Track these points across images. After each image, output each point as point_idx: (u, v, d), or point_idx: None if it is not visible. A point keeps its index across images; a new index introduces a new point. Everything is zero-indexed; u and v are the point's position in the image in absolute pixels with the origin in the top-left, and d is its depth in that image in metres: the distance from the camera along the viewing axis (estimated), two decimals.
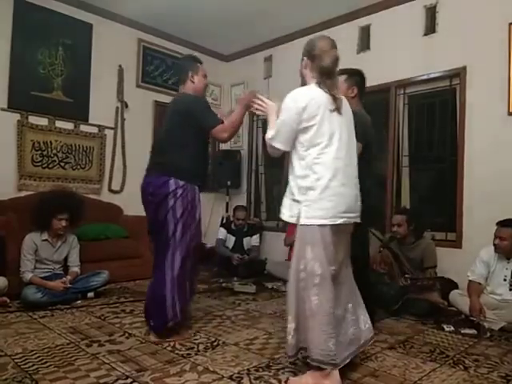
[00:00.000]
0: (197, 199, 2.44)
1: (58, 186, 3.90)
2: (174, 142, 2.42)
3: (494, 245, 2.83)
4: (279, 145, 1.93)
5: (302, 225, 1.85)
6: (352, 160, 1.96)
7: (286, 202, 1.96)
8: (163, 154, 2.47)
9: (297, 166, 1.92)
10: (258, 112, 2.21)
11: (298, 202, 1.88)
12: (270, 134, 1.97)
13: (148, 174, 2.56)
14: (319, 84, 1.91)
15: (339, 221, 1.83)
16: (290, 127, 1.89)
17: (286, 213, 1.94)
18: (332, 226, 1.82)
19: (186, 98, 2.50)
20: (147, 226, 2.63)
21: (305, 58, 2.00)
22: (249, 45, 5.24)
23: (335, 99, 1.90)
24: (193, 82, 2.54)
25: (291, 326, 1.87)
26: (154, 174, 2.47)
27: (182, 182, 2.36)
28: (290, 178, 1.96)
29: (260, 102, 2.17)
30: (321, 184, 1.82)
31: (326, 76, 1.91)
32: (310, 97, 1.88)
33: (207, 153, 2.60)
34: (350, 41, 4.23)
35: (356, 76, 2.63)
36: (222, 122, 2.38)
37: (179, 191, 2.35)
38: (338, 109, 1.90)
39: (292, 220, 1.91)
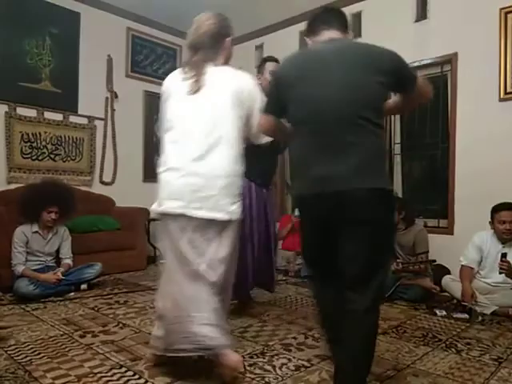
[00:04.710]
0: (253, 195, 2.52)
1: (45, 178, 3.84)
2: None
3: (506, 230, 2.77)
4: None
5: None
6: (205, 147, 1.73)
7: None
8: None
9: None
10: None
11: None
12: None
13: None
14: (183, 64, 1.88)
15: (160, 209, 1.79)
16: (161, 110, 1.91)
17: None
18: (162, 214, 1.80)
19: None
20: None
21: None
22: (240, 33, 5.17)
23: (195, 80, 1.77)
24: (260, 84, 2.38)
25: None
26: None
27: None
28: None
29: None
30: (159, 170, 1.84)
31: (189, 53, 1.87)
32: (165, 81, 1.91)
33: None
34: None
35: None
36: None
37: None
38: (196, 90, 1.76)
39: None
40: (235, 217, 1.78)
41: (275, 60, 2.59)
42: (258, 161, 2.31)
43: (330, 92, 1.46)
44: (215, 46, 1.84)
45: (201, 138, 1.73)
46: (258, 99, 1.83)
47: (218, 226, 1.74)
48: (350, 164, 1.41)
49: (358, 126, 1.44)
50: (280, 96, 1.59)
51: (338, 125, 1.45)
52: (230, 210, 1.74)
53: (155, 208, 1.83)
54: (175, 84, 1.85)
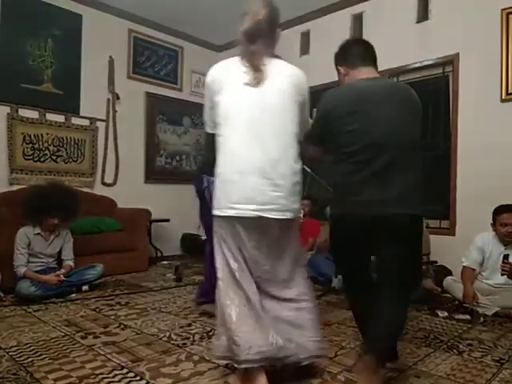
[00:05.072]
0: None
1: (51, 181, 3.77)
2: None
3: (508, 233, 2.77)
4: (207, 128, 1.79)
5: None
6: (268, 143, 1.62)
7: None
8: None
9: None
10: None
11: None
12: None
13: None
14: (240, 54, 1.67)
15: (233, 212, 1.61)
16: (207, 104, 1.74)
17: None
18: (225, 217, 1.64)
19: None
20: None
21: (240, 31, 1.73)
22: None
23: (255, 71, 1.62)
24: None
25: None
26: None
27: (212, 179, 2.38)
28: None
29: None
30: (220, 171, 1.67)
31: (245, 42, 1.66)
32: (216, 70, 1.70)
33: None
34: (343, 29, 4.21)
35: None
36: None
37: (212, 187, 2.41)
38: (257, 82, 1.62)
39: None
40: (298, 215, 1.75)
41: None
42: None
43: (381, 127, 1.66)
44: (271, 35, 1.71)
45: (268, 134, 1.62)
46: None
47: (287, 224, 1.69)
48: (397, 192, 1.64)
49: (404, 160, 1.67)
50: (329, 128, 1.73)
51: (388, 157, 1.65)
52: (295, 208, 1.69)
53: (223, 212, 1.64)
54: (230, 75, 1.66)
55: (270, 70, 1.65)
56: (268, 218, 1.61)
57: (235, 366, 1.67)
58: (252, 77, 1.62)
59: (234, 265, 1.66)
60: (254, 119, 1.62)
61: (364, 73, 1.80)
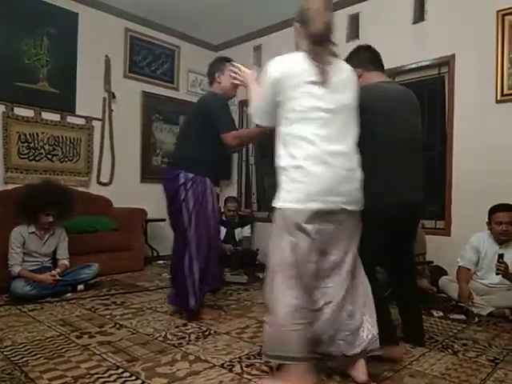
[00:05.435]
0: (208, 191, 2.56)
1: (45, 179, 3.79)
2: (188, 137, 2.60)
3: (503, 231, 2.79)
4: (258, 120, 1.81)
5: (275, 208, 1.69)
6: (343, 138, 1.70)
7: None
8: (178, 149, 2.69)
9: (277, 144, 1.73)
10: (236, 82, 2.24)
11: (278, 184, 1.70)
12: (251, 108, 1.86)
13: (166, 167, 2.83)
14: (307, 52, 1.70)
15: (315, 206, 1.60)
16: (266, 100, 1.75)
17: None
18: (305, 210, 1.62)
19: (207, 96, 2.65)
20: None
21: (296, 24, 1.79)
22: (238, 34, 5.19)
23: (322, 70, 1.67)
24: (219, 82, 2.64)
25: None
26: (170, 167, 2.66)
27: (191, 175, 2.49)
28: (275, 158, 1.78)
29: (236, 70, 2.16)
30: (292, 164, 1.64)
31: (316, 43, 1.71)
32: (286, 66, 1.70)
33: (219, 147, 2.55)
34: (339, 29, 4.18)
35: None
36: (235, 129, 2.51)
37: (189, 184, 2.48)
38: (324, 81, 1.66)
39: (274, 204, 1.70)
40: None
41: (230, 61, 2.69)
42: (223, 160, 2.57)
43: (401, 125, 2.00)
44: (332, 34, 1.79)
45: (341, 130, 1.69)
46: None
47: (356, 216, 1.74)
48: (417, 184, 2.08)
49: (416, 156, 2.06)
50: (375, 120, 1.92)
51: (407, 153, 2.00)
52: (362, 201, 1.74)
53: (303, 206, 1.60)
54: (303, 72, 1.68)
55: (336, 67, 1.73)
56: (346, 209, 1.67)
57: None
58: (324, 75, 1.67)
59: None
60: (328, 116, 1.66)
61: (379, 76, 2.10)
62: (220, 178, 2.77)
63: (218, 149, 2.56)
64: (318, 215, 1.61)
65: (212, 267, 2.57)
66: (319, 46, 1.70)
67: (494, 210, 2.86)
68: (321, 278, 1.71)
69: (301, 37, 1.77)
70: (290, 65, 1.70)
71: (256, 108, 1.83)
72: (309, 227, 1.61)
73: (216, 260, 2.63)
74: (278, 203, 1.67)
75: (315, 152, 1.62)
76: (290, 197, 1.64)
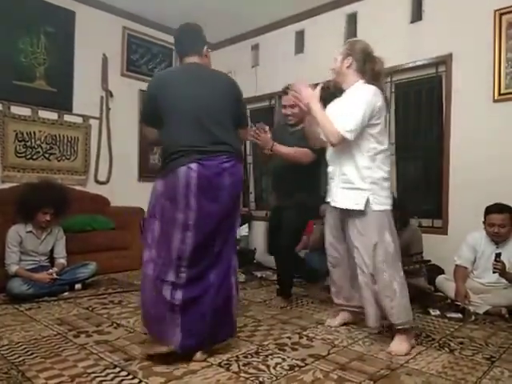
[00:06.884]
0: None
1: (43, 178, 3.78)
2: (228, 122, 2.03)
3: (494, 233, 2.81)
4: (353, 136, 2.05)
5: (374, 211, 2.08)
6: None
7: (338, 191, 2.18)
8: (226, 132, 1.99)
9: (359, 157, 2.10)
10: (300, 106, 2.27)
11: (361, 190, 2.08)
12: (349, 126, 2.03)
13: (210, 156, 1.90)
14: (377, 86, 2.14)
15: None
16: (364, 121, 2.06)
17: (346, 202, 2.13)
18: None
19: (233, 81, 2.15)
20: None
21: (350, 58, 2.17)
22: (236, 33, 5.18)
23: (386, 100, 2.18)
24: (206, 56, 2.16)
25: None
26: (224, 155, 1.92)
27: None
28: (347, 168, 2.13)
29: (297, 95, 2.18)
30: (385, 176, 2.13)
31: (377, 78, 2.18)
32: (381, 96, 2.14)
33: None
34: (337, 28, 4.21)
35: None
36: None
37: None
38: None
39: (357, 207, 2.08)
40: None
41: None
42: None
43: None
44: None
45: None
46: None
47: None
48: None
49: None
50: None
51: None
52: None
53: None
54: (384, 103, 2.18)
55: None
56: None
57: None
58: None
59: None
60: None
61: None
62: None
63: None
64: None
65: None
66: (378, 81, 2.21)
67: (487, 211, 2.87)
68: None
69: (353, 69, 2.20)
70: (381, 97, 2.14)
71: (356, 126, 2.05)
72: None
73: None
74: (380, 206, 2.12)
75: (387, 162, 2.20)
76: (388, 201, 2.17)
